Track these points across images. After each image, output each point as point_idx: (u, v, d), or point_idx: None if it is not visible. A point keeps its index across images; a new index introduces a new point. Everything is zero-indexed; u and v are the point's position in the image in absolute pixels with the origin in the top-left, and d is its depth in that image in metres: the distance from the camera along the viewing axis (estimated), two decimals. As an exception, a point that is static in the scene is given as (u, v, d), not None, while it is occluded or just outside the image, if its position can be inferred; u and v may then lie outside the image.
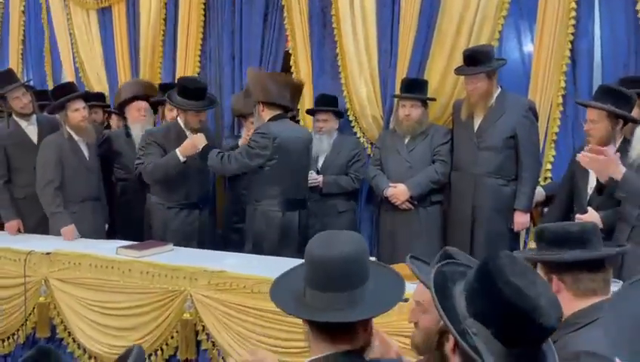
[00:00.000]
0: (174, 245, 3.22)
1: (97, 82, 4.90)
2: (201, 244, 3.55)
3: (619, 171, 2.41)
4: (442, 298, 1.14)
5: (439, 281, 1.18)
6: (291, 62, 4.17)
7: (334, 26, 3.96)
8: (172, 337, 2.81)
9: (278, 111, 3.33)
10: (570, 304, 1.50)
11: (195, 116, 3.51)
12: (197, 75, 4.44)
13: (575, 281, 1.51)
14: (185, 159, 3.43)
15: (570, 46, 3.41)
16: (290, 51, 4.19)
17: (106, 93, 4.76)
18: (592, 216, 2.59)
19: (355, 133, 3.98)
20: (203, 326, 2.76)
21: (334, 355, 1.30)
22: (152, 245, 3.13)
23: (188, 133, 3.53)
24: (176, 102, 3.51)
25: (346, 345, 1.31)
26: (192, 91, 3.49)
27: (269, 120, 3.31)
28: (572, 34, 3.41)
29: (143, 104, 4.08)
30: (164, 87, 4.11)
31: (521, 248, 3.37)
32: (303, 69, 4.11)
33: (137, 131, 3.96)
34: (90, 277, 2.98)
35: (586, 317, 1.47)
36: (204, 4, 4.46)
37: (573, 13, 3.38)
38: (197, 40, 4.49)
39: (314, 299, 1.30)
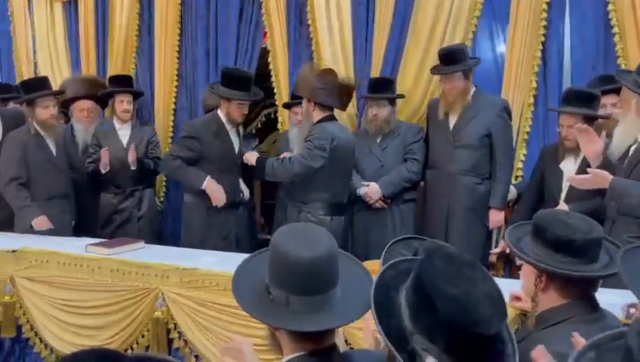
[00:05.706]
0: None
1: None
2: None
3: (607, 180, 2.40)
4: (386, 317, 1.09)
5: (381, 297, 1.12)
6: (269, 59, 4.14)
7: (310, 22, 3.95)
8: (143, 336, 2.76)
9: (328, 112, 3.26)
10: (552, 301, 1.49)
11: (239, 108, 3.42)
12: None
13: (565, 287, 1.48)
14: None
15: (541, 47, 3.48)
16: (268, 48, 4.16)
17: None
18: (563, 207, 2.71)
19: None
20: (175, 325, 2.71)
21: (304, 356, 1.26)
22: (122, 242, 3.07)
23: (229, 127, 3.48)
24: (219, 92, 3.41)
25: (316, 343, 1.27)
26: (237, 80, 3.38)
27: (320, 120, 3.22)
28: (543, 35, 3.47)
29: (87, 104, 3.92)
30: (114, 80, 3.98)
31: (492, 246, 3.41)
32: (280, 66, 4.08)
33: (81, 132, 3.88)
34: (58, 275, 2.90)
35: (561, 314, 1.47)
36: (180, -1, 4.39)
37: (545, 15, 3.45)
38: (174, 36, 4.40)
39: (299, 304, 1.23)
